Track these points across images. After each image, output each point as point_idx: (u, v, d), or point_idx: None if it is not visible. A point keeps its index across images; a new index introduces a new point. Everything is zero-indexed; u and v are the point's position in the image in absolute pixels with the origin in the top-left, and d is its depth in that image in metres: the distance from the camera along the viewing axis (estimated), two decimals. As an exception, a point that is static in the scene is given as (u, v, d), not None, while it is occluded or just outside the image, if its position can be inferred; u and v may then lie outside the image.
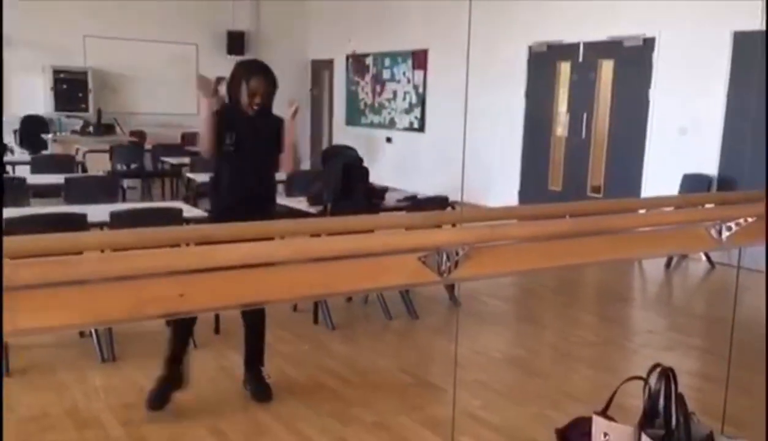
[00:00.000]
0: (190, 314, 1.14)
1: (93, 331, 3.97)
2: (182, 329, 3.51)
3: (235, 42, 12.32)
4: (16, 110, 10.82)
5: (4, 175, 7.00)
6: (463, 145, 7.40)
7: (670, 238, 1.77)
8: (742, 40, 6.83)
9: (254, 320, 3.58)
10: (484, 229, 1.43)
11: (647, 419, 2.20)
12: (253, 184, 3.53)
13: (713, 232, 1.68)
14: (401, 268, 1.34)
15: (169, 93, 11.93)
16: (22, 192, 5.47)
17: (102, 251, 1.26)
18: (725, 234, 1.67)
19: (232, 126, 3.46)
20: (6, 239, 1.15)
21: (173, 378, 3.43)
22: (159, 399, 3.36)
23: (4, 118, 10.76)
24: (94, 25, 11.08)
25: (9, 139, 10.07)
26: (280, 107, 3.62)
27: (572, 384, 3.94)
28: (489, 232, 1.44)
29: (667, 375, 2.18)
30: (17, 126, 10.63)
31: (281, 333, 4.46)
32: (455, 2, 9.46)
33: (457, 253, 1.33)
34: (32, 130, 10.20)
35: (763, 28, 6.24)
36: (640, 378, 2.28)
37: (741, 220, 1.66)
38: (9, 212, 3.90)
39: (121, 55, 11.42)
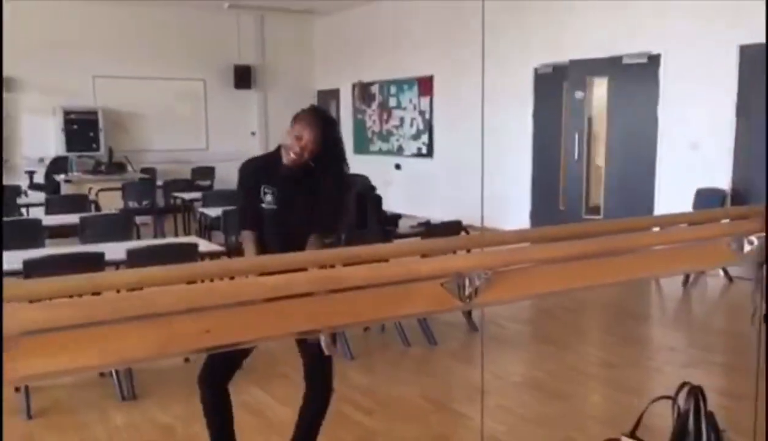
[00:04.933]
0: (218, 350, 1.13)
1: (113, 370, 3.97)
2: (225, 368, 2.91)
3: (242, 76, 12.47)
4: (29, 152, 10.96)
5: (20, 217, 7.05)
6: (481, 168, 7.43)
7: (689, 255, 1.75)
8: (749, 53, 6.83)
9: (321, 386, 3.00)
10: (505, 253, 1.42)
11: (677, 439, 2.17)
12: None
13: (733, 246, 1.66)
14: (423, 295, 1.33)
15: (178, 129, 12.09)
16: (37, 233, 5.51)
17: (118, 291, 1.26)
18: (747, 248, 1.65)
19: (270, 180, 2.85)
20: (27, 281, 1.15)
21: None
22: None
23: (19, 161, 10.91)
24: (103, 65, 11.24)
25: (23, 181, 10.15)
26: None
27: (596, 406, 3.90)
28: (510, 255, 1.43)
29: (696, 394, 2.15)
30: (31, 168, 10.74)
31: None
32: (459, 28, 9.54)
33: (479, 278, 1.33)
34: (55, 171, 10.28)
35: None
36: (668, 397, 2.26)
37: (762, 234, 1.64)
38: (26, 254, 3.92)
39: (130, 93, 11.57)
